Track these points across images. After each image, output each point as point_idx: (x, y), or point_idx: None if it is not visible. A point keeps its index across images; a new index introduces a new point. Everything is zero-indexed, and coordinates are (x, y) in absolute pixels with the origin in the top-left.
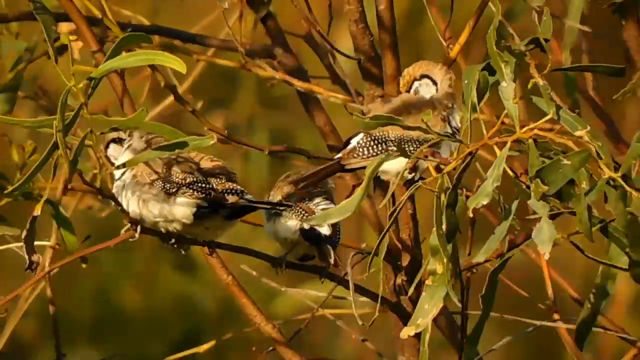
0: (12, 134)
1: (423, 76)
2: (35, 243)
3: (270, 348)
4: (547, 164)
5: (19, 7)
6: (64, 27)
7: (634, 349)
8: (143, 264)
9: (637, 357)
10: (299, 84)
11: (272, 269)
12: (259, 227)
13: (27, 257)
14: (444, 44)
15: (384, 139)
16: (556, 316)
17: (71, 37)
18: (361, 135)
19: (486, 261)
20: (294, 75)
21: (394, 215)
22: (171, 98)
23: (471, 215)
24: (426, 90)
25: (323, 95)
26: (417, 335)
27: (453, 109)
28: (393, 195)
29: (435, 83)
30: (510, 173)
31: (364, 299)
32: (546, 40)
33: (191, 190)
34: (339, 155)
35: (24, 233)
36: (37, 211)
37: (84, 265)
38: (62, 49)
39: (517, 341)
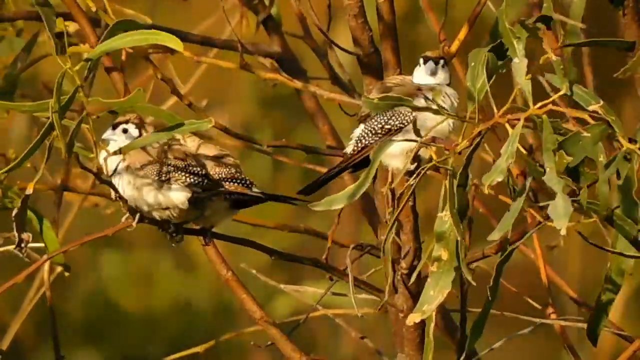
0: (12, 128)
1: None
2: (32, 245)
3: (269, 342)
4: (568, 136)
5: (24, 6)
6: (70, 26)
7: (634, 343)
8: (142, 264)
9: (636, 352)
10: (299, 85)
11: (271, 268)
12: (259, 226)
13: (16, 235)
14: (440, 45)
15: (383, 126)
16: (554, 316)
17: (66, 23)
18: (362, 126)
19: (485, 257)
20: (294, 75)
21: (402, 204)
22: (174, 99)
23: (487, 192)
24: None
25: (324, 95)
26: (418, 331)
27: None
28: (392, 191)
29: None
30: (523, 151)
31: (363, 296)
32: (551, 19)
33: (184, 176)
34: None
35: (15, 211)
36: (29, 190)
37: (66, 274)
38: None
39: (515, 342)
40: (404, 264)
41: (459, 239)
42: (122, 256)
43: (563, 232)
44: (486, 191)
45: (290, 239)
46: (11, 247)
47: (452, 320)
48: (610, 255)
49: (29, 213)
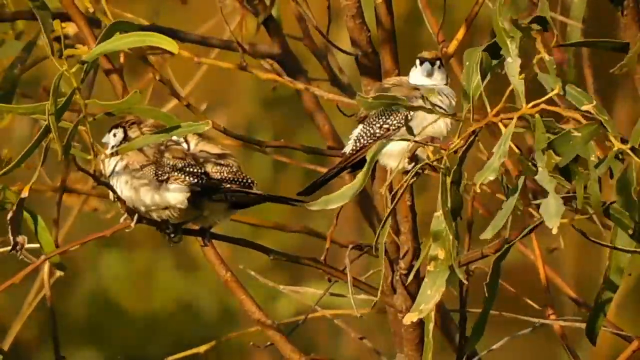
0: (13, 128)
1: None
2: (30, 245)
3: (269, 343)
4: (558, 136)
5: (25, 6)
6: (69, 27)
7: (633, 343)
8: (142, 264)
9: (637, 351)
10: (298, 85)
11: (272, 269)
12: (259, 227)
13: (11, 238)
14: (439, 46)
15: (381, 126)
16: (553, 317)
17: (64, 24)
18: (360, 126)
19: (484, 257)
20: (295, 76)
21: (395, 201)
22: (174, 102)
23: (478, 190)
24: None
25: (324, 96)
26: (417, 331)
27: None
28: (391, 191)
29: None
30: (516, 150)
31: (362, 296)
32: (546, 19)
33: (183, 176)
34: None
35: (10, 214)
36: (25, 193)
37: (62, 273)
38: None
39: (515, 342)
40: (402, 264)
41: (451, 237)
42: (123, 256)
43: (554, 231)
44: (477, 190)
45: (290, 239)
46: (7, 249)
47: (452, 320)
48: (608, 254)
49: (25, 214)
